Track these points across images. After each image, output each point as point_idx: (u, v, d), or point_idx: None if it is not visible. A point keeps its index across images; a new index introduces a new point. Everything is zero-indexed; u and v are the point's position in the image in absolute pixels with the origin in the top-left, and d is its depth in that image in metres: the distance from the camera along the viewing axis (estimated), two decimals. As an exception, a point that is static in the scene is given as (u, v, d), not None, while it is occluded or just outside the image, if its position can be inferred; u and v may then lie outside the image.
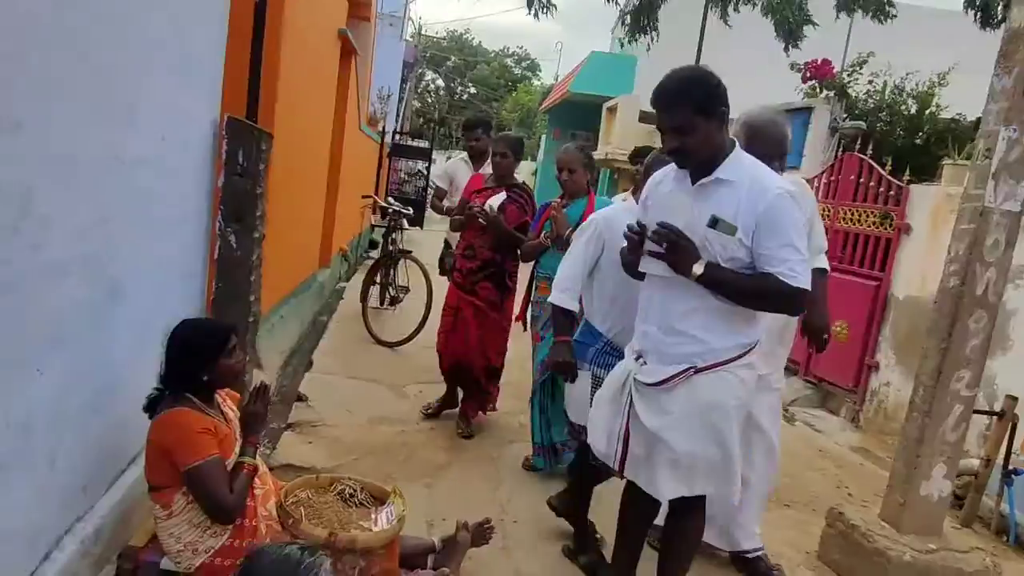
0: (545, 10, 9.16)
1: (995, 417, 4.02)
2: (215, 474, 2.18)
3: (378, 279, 6.47)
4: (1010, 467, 3.90)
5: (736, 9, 9.28)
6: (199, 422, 2.19)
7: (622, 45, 14.20)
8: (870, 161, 5.80)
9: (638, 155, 4.24)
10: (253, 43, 3.61)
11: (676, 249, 2.15)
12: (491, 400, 4.30)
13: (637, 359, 2.33)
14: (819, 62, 6.81)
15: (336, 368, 5.11)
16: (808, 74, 6.88)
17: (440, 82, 43.70)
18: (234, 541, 2.29)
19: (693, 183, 2.20)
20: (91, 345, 2.26)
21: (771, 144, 2.77)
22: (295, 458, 3.53)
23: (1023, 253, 4.42)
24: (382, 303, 6.58)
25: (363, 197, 8.63)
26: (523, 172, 21.35)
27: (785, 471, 4.34)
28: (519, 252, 3.96)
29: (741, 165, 2.16)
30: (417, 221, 11.80)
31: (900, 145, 6.82)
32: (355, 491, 2.67)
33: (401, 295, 6.32)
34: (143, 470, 2.71)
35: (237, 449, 2.31)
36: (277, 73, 4.27)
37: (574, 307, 2.87)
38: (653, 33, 9.54)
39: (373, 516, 2.55)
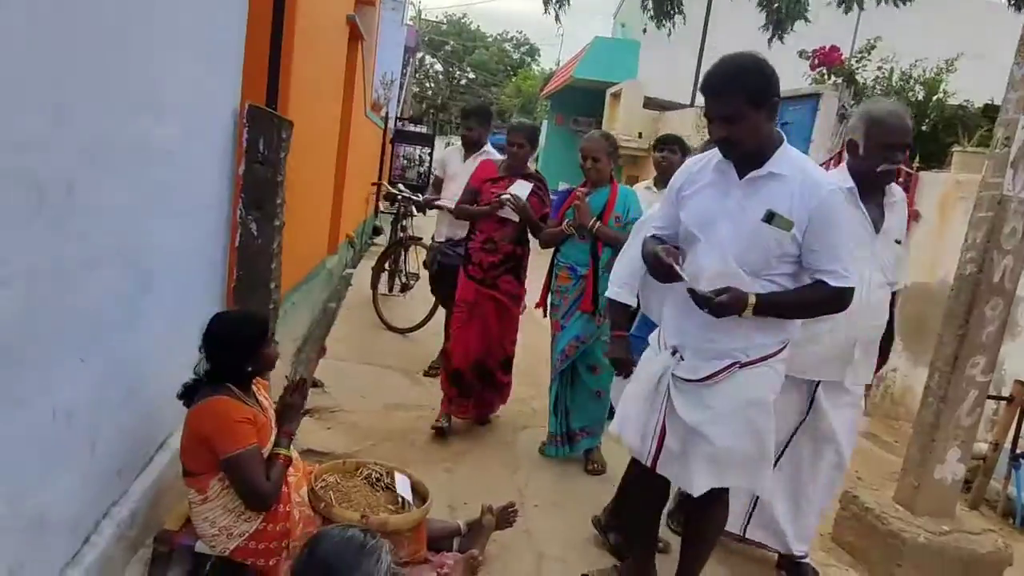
0: (559, 6, 9.10)
1: (1004, 402, 4.07)
2: (253, 463, 2.22)
3: (388, 266, 6.50)
4: (1018, 451, 3.96)
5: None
6: (239, 411, 2.23)
7: (623, 26, 14.16)
8: (879, 148, 5.82)
9: (663, 143, 4.12)
10: (273, 30, 3.61)
11: (723, 308, 2.06)
12: (508, 390, 4.21)
13: (673, 354, 2.28)
14: (827, 48, 6.81)
15: (349, 355, 5.15)
16: (816, 61, 6.88)
17: (439, 66, 43.50)
18: (267, 525, 2.34)
19: (740, 176, 2.14)
20: (126, 335, 2.30)
21: (894, 134, 2.55)
22: (315, 443, 3.58)
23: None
24: (391, 290, 6.61)
25: (372, 184, 8.63)
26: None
27: (795, 456, 4.40)
28: (539, 240, 3.86)
29: (791, 159, 2.12)
30: (420, 207, 11.82)
31: (908, 132, 6.83)
32: (381, 475, 2.72)
33: (411, 282, 6.34)
34: (172, 454, 2.78)
35: (272, 438, 2.36)
36: (291, 60, 4.27)
37: (631, 302, 2.82)
38: (679, 16, 9.47)
39: (400, 500, 2.60)
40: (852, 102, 6.80)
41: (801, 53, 7.16)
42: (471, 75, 42.90)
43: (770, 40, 8.42)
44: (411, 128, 14.64)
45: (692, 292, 2.08)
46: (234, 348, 2.29)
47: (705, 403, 2.20)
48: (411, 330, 5.88)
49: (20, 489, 1.72)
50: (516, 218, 3.77)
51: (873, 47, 6.95)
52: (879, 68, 6.98)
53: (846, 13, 8.10)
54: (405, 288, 6.36)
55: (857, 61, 6.97)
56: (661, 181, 4.10)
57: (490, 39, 44.43)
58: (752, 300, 2.05)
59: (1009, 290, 2.93)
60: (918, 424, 3.15)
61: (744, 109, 2.02)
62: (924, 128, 7.07)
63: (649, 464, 2.35)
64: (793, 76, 7.56)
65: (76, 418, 1.97)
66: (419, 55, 25.63)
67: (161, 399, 2.77)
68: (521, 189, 3.77)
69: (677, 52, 11.93)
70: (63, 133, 1.74)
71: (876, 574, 3.03)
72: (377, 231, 11.55)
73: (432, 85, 41.78)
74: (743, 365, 2.16)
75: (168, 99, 2.47)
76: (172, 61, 2.49)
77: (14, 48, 1.49)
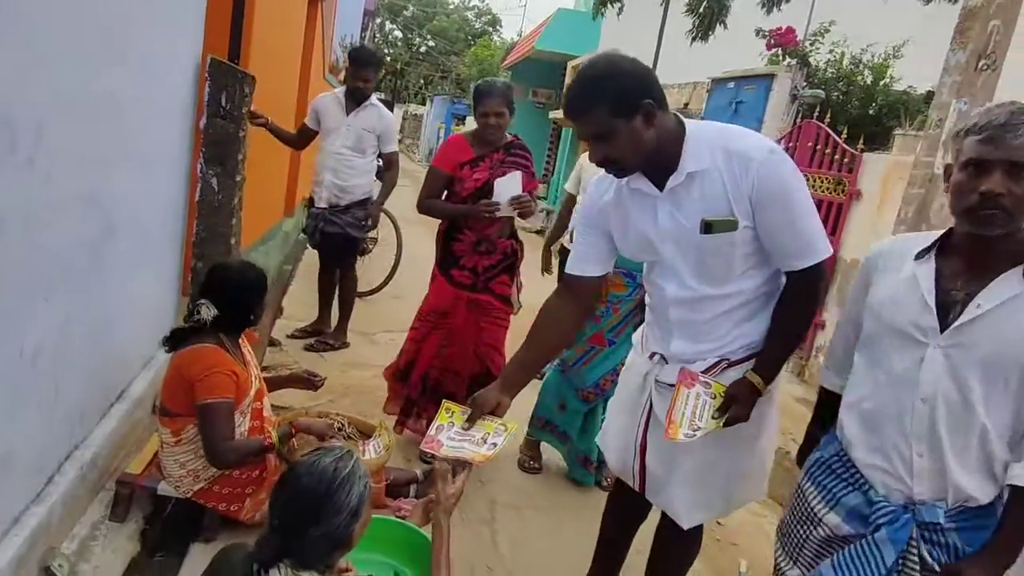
0: None
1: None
2: (222, 415, 2.29)
3: (345, 230, 6.48)
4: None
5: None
6: (226, 363, 2.29)
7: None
8: (827, 129, 6.05)
9: None
10: (235, -16, 3.58)
11: (746, 413, 1.81)
12: None
13: (651, 357, 1.98)
14: (783, 30, 7.00)
15: (305, 315, 5.17)
16: (772, 41, 7.07)
17: (398, 33, 42.69)
18: (234, 472, 2.41)
19: (661, 188, 1.80)
20: (89, 279, 2.32)
21: None
22: (275, 399, 3.62)
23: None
24: (349, 254, 6.60)
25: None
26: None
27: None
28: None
29: (705, 144, 1.75)
30: (377, 175, 11.73)
31: (855, 114, 7.09)
32: (343, 425, 2.81)
33: (370, 246, 6.35)
34: (132, 403, 2.82)
35: (251, 392, 2.42)
36: (253, 14, 4.22)
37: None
38: (619, 3, 9.54)
39: (362, 447, 2.69)
40: (804, 83, 7.02)
41: (758, 32, 7.34)
42: (431, 42, 42.25)
43: (692, 42, 8.57)
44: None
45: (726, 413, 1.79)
46: (250, 295, 2.37)
47: None
48: (369, 293, 5.92)
49: (-11, 423, 1.76)
50: (511, 214, 3.17)
51: (827, 31, 7.17)
52: (830, 51, 7.21)
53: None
54: (364, 252, 6.37)
55: (811, 44, 7.18)
56: None
57: (451, 6, 43.75)
58: (757, 382, 1.80)
59: (935, 262, 3.15)
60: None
61: (612, 122, 1.68)
62: (871, 112, 7.37)
63: (637, 486, 2.06)
64: (752, 55, 7.77)
65: (41, 358, 2.00)
66: (378, 20, 25.12)
67: (122, 346, 2.80)
68: (513, 183, 3.10)
69: (638, 25, 12.00)
70: (36, 78, 1.75)
71: (804, 523, 3.26)
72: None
73: (391, 51, 40.98)
74: (732, 364, 1.87)
75: (132, 49, 2.47)
76: (136, 11, 2.48)
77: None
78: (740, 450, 1.92)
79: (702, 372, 1.86)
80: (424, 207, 3.30)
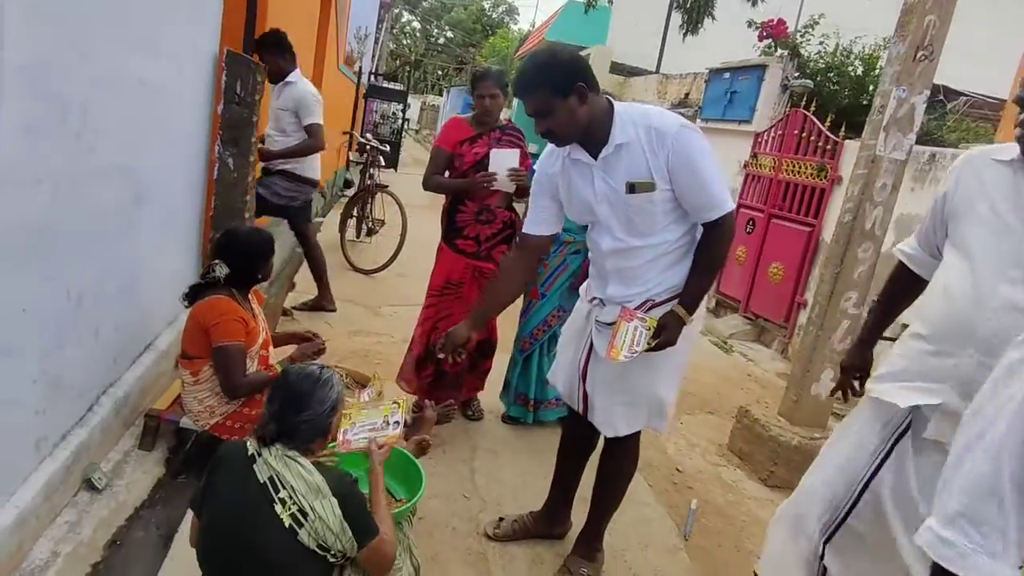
0: None
1: (891, 343, 4.65)
2: (236, 356, 2.67)
3: (355, 212, 6.88)
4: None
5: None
6: (236, 311, 2.67)
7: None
8: (812, 117, 6.33)
9: None
10: (250, -19, 3.95)
11: (671, 340, 2.17)
12: (485, 378, 3.79)
13: (592, 301, 2.36)
14: (775, 22, 7.25)
15: (316, 290, 5.57)
16: (764, 33, 7.32)
17: (416, 24, 43.05)
18: (244, 408, 2.80)
19: (595, 158, 2.17)
20: (123, 239, 2.71)
21: None
22: (279, 355, 4.02)
23: (929, 202, 5.05)
24: (358, 235, 7.01)
25: (344, 133, 8.94)
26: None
27: (715, 389, 4.98)
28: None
29: (629, 121, 2.12)
30: (391, 163, 12.13)
31: (846, 104, 7.34)
32: (341, 376, 3.19)
33: (377, 227, 6.74)
34: (158, 354, 3.22)
35: (259, 341, 2.80)
36: (267, 8, 4.61)
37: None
38: None
39: (357, 394, 3.07)
40: (796, 74, 7.27)
41: (750, 23, 7.59)
42: (448, 34, 42.57)
43: (684, 36, 8.85)
44: (385, 84, 14.83)
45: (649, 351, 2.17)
46: (255, 256, 2.74)
47: None
48: (375, 271, 6.31)
49: (45, 350, 2.15)
50: (512, 189, 3.39)
51: (816, 23, 7.42)
52: (821, 42, 7.45)
53: None
54: (371, 232, 6.77)
55: (801, 35, 7.43)
56: None
57: (469, -3, 44.05)
58: (682, 313, 2.15)
59: (879, 236, 3.46)
60: (800, 349, 3.70)
61: (552, 101, 2.05)
62: (863, 102, 7.60)
63: (580, 408, 2.43)
64: (747, 47, 8.02)
65: (84, 302, 2.39)
66: (395, 11, 25.44)
67: (150, 303, 3.20)
68: (509, 157, 3.35)
69: (645, 19, 12.27)
70: (82, 63, 2.13)
71: (759, 472, 3.60)
72: (348, 183, 11.85)
73: (409, 42, 41.37)
74: (656, 304, 2.22)
75: (161, 41, 2.85)
76: (166, 6, 2.86)
77: (42, 9, 1.89)
78: (651, 376, 2.29)
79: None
80: (430, 184, 3.53)
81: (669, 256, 2.22)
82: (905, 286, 2.17)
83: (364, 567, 1.81)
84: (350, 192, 11.45)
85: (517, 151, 3.40)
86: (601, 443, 2.53)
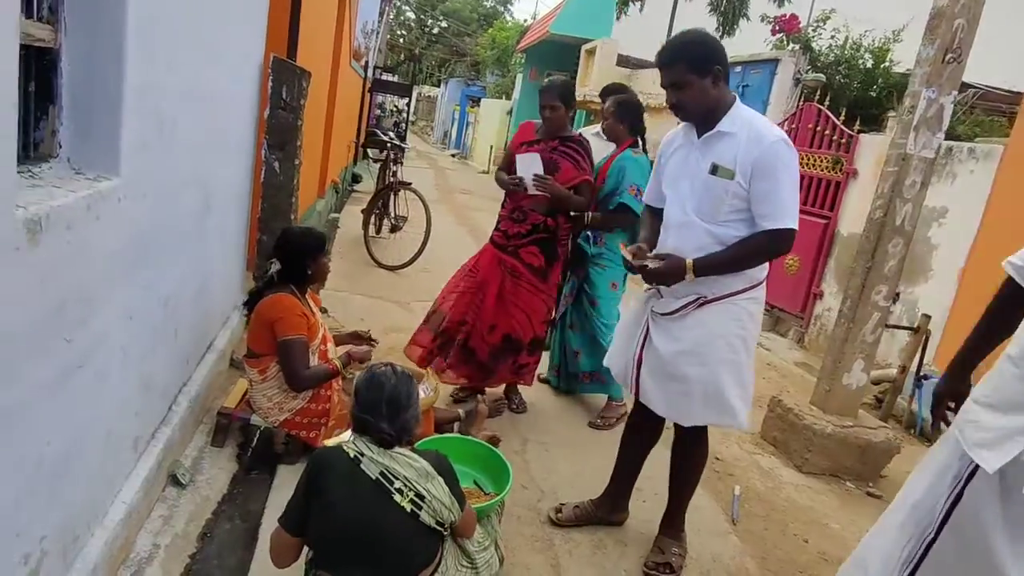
0: None
1: (913, 332, 4.81)
2: (298, 350, 2.79)
3: (377, 209, 6.99)
4: (921, 373, 4.71)
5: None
6: (298, 307, 2.79)
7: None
8: (826, 111, 6.45)
9: (607, 92, 4.34)
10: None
11: (660, 277, 2.36)
12: (529, 372, 3.82)
13: (649, 289, 2.52)
14: (787, 17, 7.36)
15: (345, 287, 5.68)
16: (777, 27, 7.43)
17: (411, 13, 42.86)
18: (311, 404, 2.92)
19: (699, 137, 2.38)
20: (197, 245, 2.83)
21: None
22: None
23: (947, 196, 5.19)
24: (379, 231, 7.11)
25: (366, 133, 9.00)
26: (498, 111, 21.50)
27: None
28: (582, 212, 3.66)
29: (741, 118, 2.31)
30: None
31: (856, 97, 7.46)
32: (399, 372, 3.31)
33: (401, 223, 6.84)
34: (218, 354, 3.34)
35: (319, 337, 2.92)
36: (300, 11, 4.69)
37: None
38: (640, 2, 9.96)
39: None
40: (807, 67, 7.39)
41: (763, 18, 7.70)
42: (443, 23, 42.41)
43: (721, 35, 9.00)
44: (387, 78, 14.89)
45: (642, 268, 2.37)
46: (302, 254, 2.84)
47: (675, 336, 2.43)
48: (401, 267, 6.42)
49: (144, 354, 2.27)
50: (537, 193, 3.48)
51: (828, 17, 7.53)
52: (832, 36, 7.56)
53: None
54: (395, 229, 6.87)
55: (813, 30, 7.54)
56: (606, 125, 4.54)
57: (463, -14, 43.81)
58: (690, 263, 2.30)
59: (908, 231, 3.59)
60: (832, 340, 3.84)
61: (688, 77, 2.27)
62: (872, 94, 7.73)
63: (632, 392, 2.59)
64: (758, 41, 8.14)
65: (169, 306, 2.51)
66: (395, 3, 25.40)
67: (212, 305, 3.32)
68: (532, 162, 3.46)
69: (651, 11, 12.35)
70: (172, 79, 2.24)
71: (794, 460, 3.75)
72: (356, 179, 11.95)
73: (404, 33, 41.23)
74: (708, 301, 2.37)
75: (224, 51, 2.96)
76: (228, 17, 2.96)
77: (146, 25, 1.99)
78: (701, 368, 2.40)
79: (678, 309, 2.41)
80: (496, 179, 3.81)
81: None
82: (1014, 303, 1.86)
83: (461, 531, 1.98)
84: (359, 187, 11.60)
85: (538, 156, 3.48)
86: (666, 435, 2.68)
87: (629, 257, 2.41)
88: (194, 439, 2.94)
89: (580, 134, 3.71)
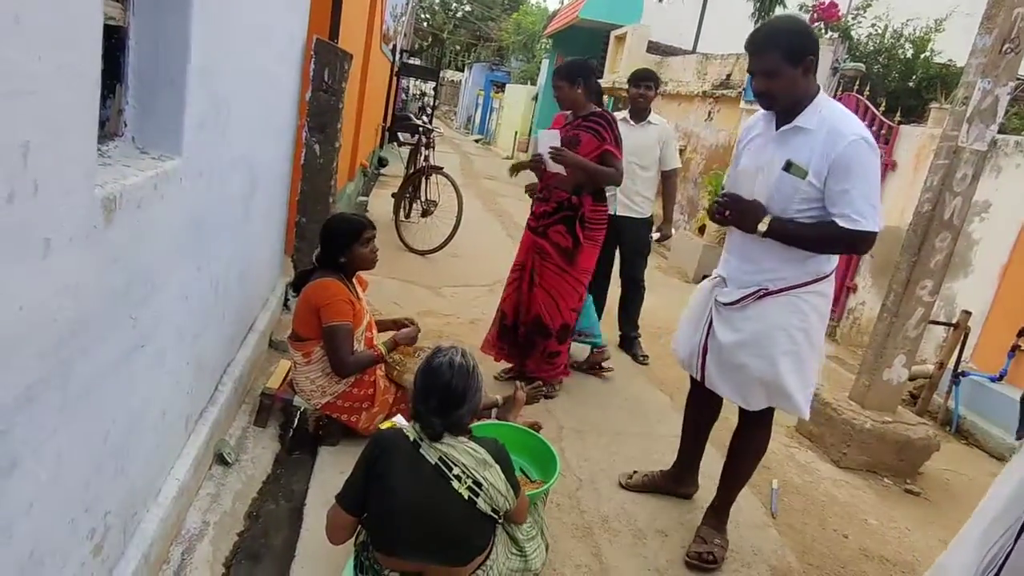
0: None
1: (951, 328, 4.73)
2: (344, 335, 2.80)
3: (408, 193, 6.98)
4: (959, 370, 4.64)
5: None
6: (344, 293, 2.79)
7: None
8: (866, 101, 6.33)
9: (639, 79, 4.52)
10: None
11: (738, 213, 2.35)
12: (560, 361, 3.86)
13: (715, 278, 2.57)
14: (826, 4, 7.21)
15: (377, 271, 5.65)
16: (816, 15, 7.28)
17: (436, -3, 42.65)
18: (353, 389, 2.93)
19: (777, 129, 2.34)
20: (243, 226, 2.84)
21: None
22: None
23: (991, 190, 5.08)
24: (409, 216, 7.11)
25: (394, 116, 8.97)
26: (523, 97, 21.36)
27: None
28: (609, 181, 3.62)
29: (820, 114, 2.25)
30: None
31: (895, 87, 7.32)
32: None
33: (432, 208, 6.84)
34: (259, 336, 3.35)
35: (364, 323, 2.92)
36: (341, -5, 4.67)
37: None
38: None
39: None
40: (846, 56, 7.25)
41: (801, 7, 7.56)
42: (467, 7, 42.15)
43: (756, 21, 8.88)
44: (414, 62, 14.84)
45: (728, 196, 2.40)
46: (334, 241, 2.84)
47: (736, 326, 2.44)
48: (431, 252, 6.42)
49: (196, 334, 2.28)
50: (560, 169, 3.56)
51: (869, 5, 7.37)
52: (872, 25, 7.41)
53: None
54: (426, 214, 6.86)
55: (853, 18, 7.39)
56: (636, 114, 4.58)
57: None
58: (767, 217, 2.29)
59: (956, 226, 3.52)
60: (874, 335, 3.79)
61: (780, 65, 2.20)
62: (911, 84, 7.58)
63: (698, 378, 2.64)
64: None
65: (219, 288, 2.53)
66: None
67: (254, 287, 3.34)
68: (549, 137, 3.57)
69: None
70: (228, 61, 2.24)
71: (831, 454, 3.71)
72: (383, 162, 11.95)
73: (429, 17, 41.03)
74: (769, 293, 2.36)
75: (272, 31, 2.95)
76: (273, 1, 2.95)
77: (208, 7, 1.98)
78: (761, 359, 2.41)
79: (739, 299, 2.42)
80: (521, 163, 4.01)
81: (789, 250, 2.32)
82: None
83: (514, 517, 2.00)
84: (385, 171, 11.60)
85: (556, 131, 3.60)
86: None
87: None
88: (238, 418, 2.97)
89: (605, 110, 3.70)
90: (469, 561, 1.86)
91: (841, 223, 2.20)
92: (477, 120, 30.31)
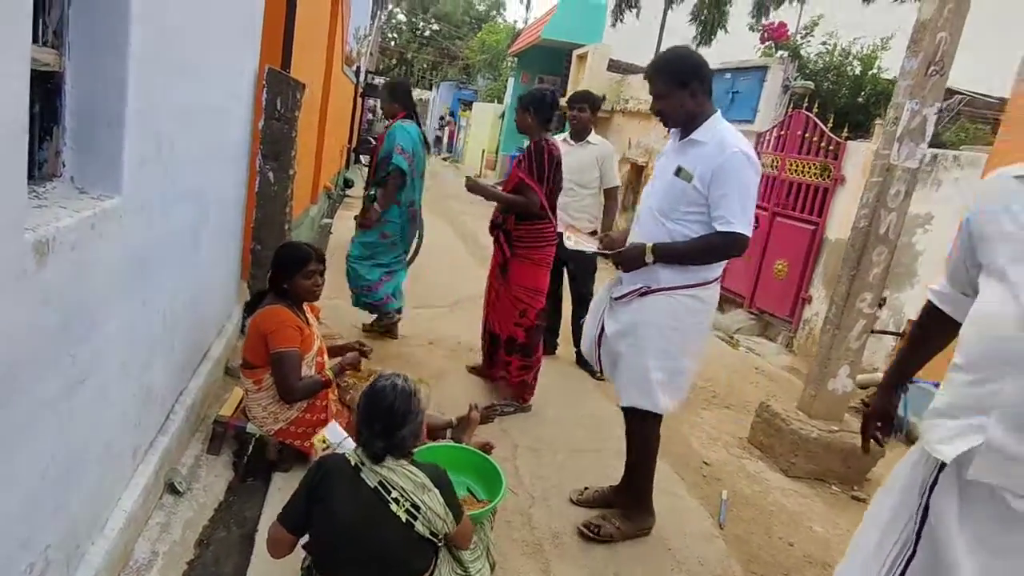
0: None
1: (898, 337, 4.89)
2: (291, 363, 2.83)
3: (370, 215, 7.00)
4: (906, 378, 4.79)
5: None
6: (292, 320, 2.83)
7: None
8: (814, 118, 6.54)
9: (574, 101, 4.69)
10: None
11: (625, 261, 2.68)
12: (511, 371, 4.01)
13: (616, 281, 2.84)
14: (776, 24, 7.44)
15: (335, 294, 5.69)
16: (766, 35, 7.52)
17: (402, 16, 42.86)
18: (306, 414, 2.96)
19: (679, 142, 2.67)
20: (192, 257, 2.87)
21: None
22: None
23: (932, 203, 5.28)
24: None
25: (359, 138, 9.01)
26: (490, 115, 21.54)
27: (726, 383, 5.20)
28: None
29: (713, 129, 2.56)
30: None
31: (844, 103, 7.56)
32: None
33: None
34: (212, 363, 3.37)
35: (314, 348, 2.96)
36: (295, 22, 4.73)
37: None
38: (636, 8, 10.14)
39: (407, 397, 3.24)
40: (796, 75, 7.48)
41: (752, 27, 7.79)
42: (435, 26, 42.43)
43: (697, 47, 9.18)
44: (379, 81, 14.91)
45: (610, 254, 2.76)
46: (278, 268, 2.88)
47: (618, 317, 2.77)
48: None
49: (144, 365, 2.31)
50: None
51: (816, 24, 7.63)
52: (823, 43, 7.65)
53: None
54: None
55: (802, 37, 7.63)
56: (575, 135, 4.77)
57: (455, -11, 43.85)
58: (649, 246, 2.59)
59: (892, 240, 3.67)
60: (819, 347, 3.91)
61: (669, 89, 2.55)
62: (860, 100, 7.83)
63: (597, 369, 2.98)
64: (747, 48, 8.22)
65: (167, 319, 2.55)
66: (389, 7, 25.43)
67: (206, 315, 3.36)
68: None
69: (642, 16, 12.42)
70: (170, 99, 2.28)
71: (780, 464, 3.82)
72: (348, 183, 11.97)
73: (396, 37, 41.20)
74: (650, 291, 2.65)
75: (223, 64, 3.01)
76: (225, 30, 3.00)
77: (147, 50, 2.03)
78: (636, 350, 2.70)
79: (625, 294, 2.73)
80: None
81: None
82: (934, 328, 1.87)
83: (456, 542, 2.04)
84: (351, 192, 11.61)
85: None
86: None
87: (595, 248, 2.90)
88: (190, 447, 2.98)
89: (540, 139, 3.82)
90: (411, 582, 1.91)
91: (718, 226, 2.49)
92: (445, 138, 30.44)
